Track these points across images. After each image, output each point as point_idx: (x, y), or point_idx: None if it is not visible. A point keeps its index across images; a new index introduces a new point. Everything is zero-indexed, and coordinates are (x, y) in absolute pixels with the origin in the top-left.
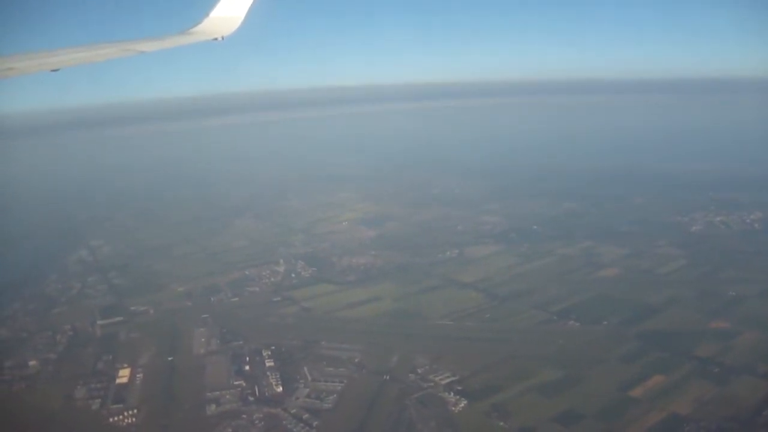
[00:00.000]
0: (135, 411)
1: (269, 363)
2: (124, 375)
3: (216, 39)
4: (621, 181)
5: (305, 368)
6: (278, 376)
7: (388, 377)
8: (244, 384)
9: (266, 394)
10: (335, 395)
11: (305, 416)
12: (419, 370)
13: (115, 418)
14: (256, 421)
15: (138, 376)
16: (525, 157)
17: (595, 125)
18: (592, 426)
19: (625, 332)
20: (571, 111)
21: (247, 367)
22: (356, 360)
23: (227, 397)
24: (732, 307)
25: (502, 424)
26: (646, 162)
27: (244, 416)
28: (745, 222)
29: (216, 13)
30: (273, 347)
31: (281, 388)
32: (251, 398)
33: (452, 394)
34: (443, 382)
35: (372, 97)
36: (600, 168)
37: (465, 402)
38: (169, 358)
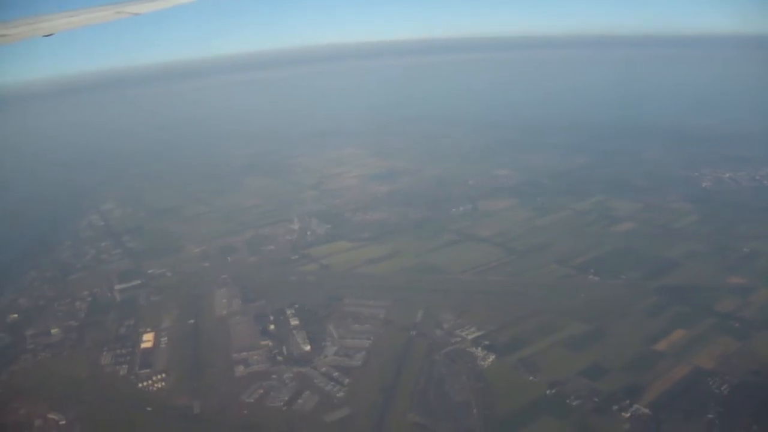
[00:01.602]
0: (163, 375)
1: (294, 322)
2: (148, 339)
3: None
4: (627, 135)
5: (331, 326)
6: (305, 335)
7: (414, 333)
8: (270, 344)
9: (294, 353)
10: (363, 352)
11: (336, 374)
12: (445, 326)
13: (145, 383)
14: (287, 381)
15: (162, 339)
16: (529, 110)
17: (597, 79)
18: (620, 380)
19: (645, 286)
20: (570, 65)
21: (272, 327)
22: (381, 316)
23: (255, 357)
24: (747, 263)
25: (531, 378)
26: (650, 116)
27: (274, 376)
28: (754, 178)
29: None
30: (296, 306)
31: (309, 347)
32: (279, 358)
33: (480, 348)
34: (470, 337)
35: (371, 53)
36: (605, 122)
37: (493, 356)
38: (191, 321)
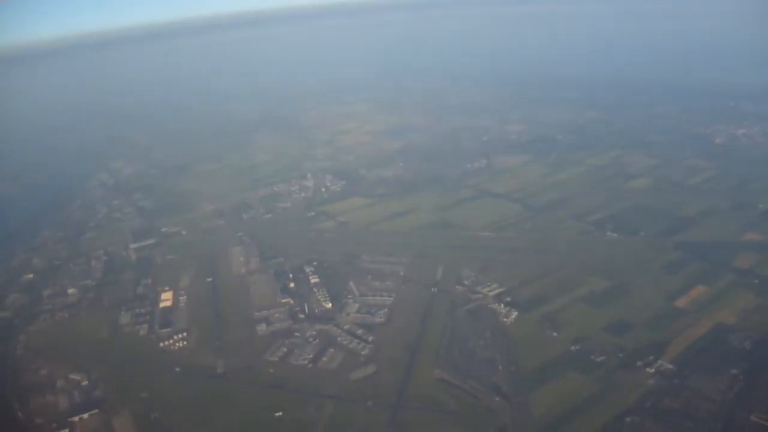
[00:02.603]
0: (184, 334)
1: (314, 279)
2: (166, 298)
3: None
4: (636, 90)
5: (351, 283)
6: (325, 292)
7: (435, 290)
8: (291, 302)
9: (316, 311)
10: (386, 309)
11: (359, 332)
12: (466, 282)
13: (166, 343)
14: (310, 339)
15: (181, 298)
16: (538, 65)
17: (601, 33)
18: (643, 336)
19: (663, 243)
20: (574, 19)
21: (292, 285)
22: (401, 273)
23: (276, 315)
24: (764, 219)
25: (555, 334)
26: (656, 70)
27: (297, 334)
28: (767, 135)
29: None
30: (315, 263)
31: (330, 304)
32: (301, 316)
33: (502, 305)
34: (491, 294)
35: (366, 8)
36: (613, 76)
37: (516, 313)
38: (209, 279)
